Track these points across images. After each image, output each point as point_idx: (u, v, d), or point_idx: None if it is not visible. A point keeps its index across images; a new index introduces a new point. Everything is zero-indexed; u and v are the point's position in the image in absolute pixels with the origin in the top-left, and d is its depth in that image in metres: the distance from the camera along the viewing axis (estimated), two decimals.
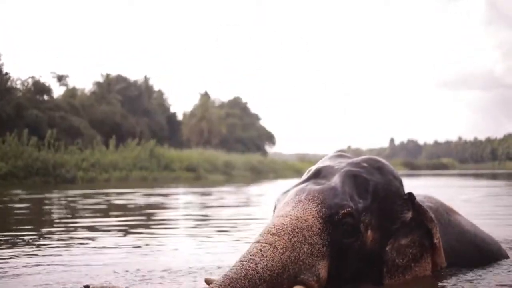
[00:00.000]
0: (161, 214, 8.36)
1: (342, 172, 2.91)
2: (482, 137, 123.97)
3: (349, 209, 2.73)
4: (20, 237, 5.24)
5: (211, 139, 51.25)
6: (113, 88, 44.34)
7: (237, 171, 36.29)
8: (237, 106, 59.58)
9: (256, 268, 2.49)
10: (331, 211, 2.71)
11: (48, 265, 3.76)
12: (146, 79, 50.01)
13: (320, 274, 2.63)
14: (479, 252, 3.44)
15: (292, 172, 40.97)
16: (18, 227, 6.32)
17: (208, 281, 2.59)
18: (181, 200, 11.78)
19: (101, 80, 44.99)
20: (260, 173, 39.19)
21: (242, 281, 2.43)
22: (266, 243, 2.59)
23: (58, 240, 5.11)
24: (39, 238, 5.21)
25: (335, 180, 2.88)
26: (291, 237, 2.62)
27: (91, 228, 6.09)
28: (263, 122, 62.40)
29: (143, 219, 7.49)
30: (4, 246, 4.66)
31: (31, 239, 5.15)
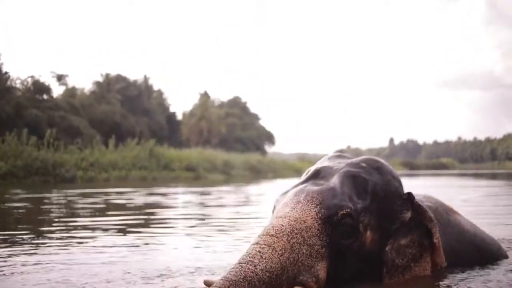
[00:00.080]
0: (161, 213, 8.35)
1: (341, 173, 2.91)
2: (481, 137, 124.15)
3: (348, 210, 2.73)
4: (19, 236, 5.24)
5: (211, 139, 51.25)
6: (113, 87, 44.34)
7: (236, 171, 36.30)
8: (236, 106, 59.59)
9: (255, 270, 2.48)
10: (330, 212, 2.71)
11: (47, 264, 3.76)
12: (146, 79, 50.03)
13: (319, 275, 2.63)
14: (478, 252, 3.44)
15: (292, 172, 40.97)
16: (17, 226, 6.32)
17: (207, 283, 2.59)
18: (181, 200, 11.77)
19: (100, 79, 45.02)
20: (259, 172, 39.19)
21: (242, 283, 2.43)
22: (265, 245, 2.58)
23: (57, 239, 5.11)
24: (38, 237, 5.20)
25: (334, 181, 2.87)
26: (290, 238, 2.62)
27: (90, 228, 6.08)
28: (262, 122, 62.53)
29: (143, 218, 7.49)
30: (3, 245, 4.65)
31: (30, 238, 5.15)
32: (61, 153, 23.57)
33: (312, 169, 3.09)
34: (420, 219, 2.96)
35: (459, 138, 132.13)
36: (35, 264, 3.76)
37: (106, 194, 13.33)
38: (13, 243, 4.77)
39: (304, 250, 2.62)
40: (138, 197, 12.04)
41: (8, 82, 32.95)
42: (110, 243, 4.81)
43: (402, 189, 3.01)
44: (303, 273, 2.59)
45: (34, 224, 6.63)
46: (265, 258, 2.53)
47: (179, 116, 53.62)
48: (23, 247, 4.57)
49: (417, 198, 3.04)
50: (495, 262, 3.48)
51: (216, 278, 2.60)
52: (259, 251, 2.55)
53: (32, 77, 34.81)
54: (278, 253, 2.56)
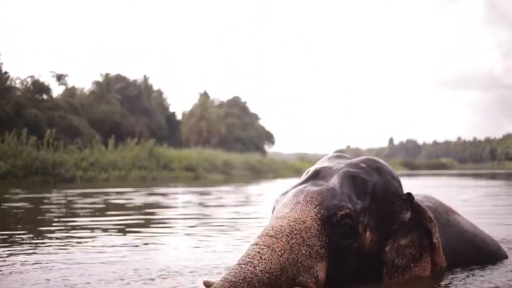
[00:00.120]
0: (160, 213, 8.35)
1: (340, 173, 2.91)
2: (481, 137, 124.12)
3: (348, 210, 2.73)
4: (19, 236, 5.24)
5: (210, 139, 51.24)
6: (113, 87, 44.33)
7: (236, 171, 36.29)
8: (236, 106, 59.58)
9: (254, 271, 2.48)
10: (330, 213, 2.71)
11: (47, 263, 3.76)
12: (146, 79, 50.02)
13: (319, 276, 2.63)
14: (478, 252, 3.44)
15: (292, 172, 40.98)
16: (17, 226, 6.32)
17: (207, 284, 2.58)
18: (180, 200, 11.77)
19: (100, 79, 45.00)
20: (259, 172, 39.19)
21: (241, 284, 2.43)
22: (264, 246, 2.58)
23: (57, 239, 5.11)
24: (38, 237, 5.20)
25: (334, 181, 2.87)
26: (289, 239, 2.62)
27: (89, 228, 6.08)
28: (262, 122, 62.50)
29: (142, 218, 7.49)
30: (2, 244, 4.65)
31: (29, 237, 5.15)
32: (60, 153, 23.56)
33: (311, 169, 3.09)
34: (420, 219, 2.96)
35: (459, 138, 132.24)
36: (34, 263, 3.76)
37: (106, 194, 13.33)
38: (13, 243, 4.77)
39: (303, 251, 2.62)
40: (138, 197, 12.04)
41: (8, 82, 32.94)
42: (109, 243, 4.80)
43: (401, 189, 3.01)
44: (302, 274, 2.59)
45: (33, 224, 6.62)
46: (264, 259, 2.53)
47: (179, 116, 53.67)
48: (22, 246, 4.56)
49: (416, 198, 3.04)
50: (495, 262, 3.49)
51: (215, 279, 2.60)
52: (259, 252, 2.55)
53: (31, 77, 34.83)
54: (278, 254, 2.56)
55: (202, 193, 14.03)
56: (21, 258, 4.00)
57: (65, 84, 40.29)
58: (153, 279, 3.23)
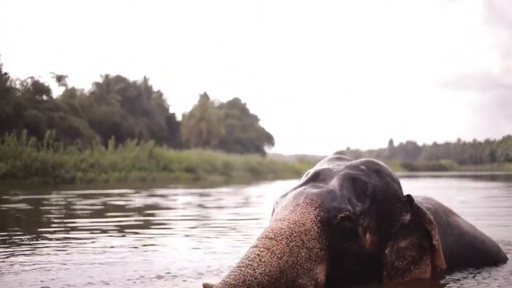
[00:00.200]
0: (160, 214, 8.35)
1: (340, 175, 2.91)
2: (481, 138, 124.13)
3: (347, 213, 2.73)
4: (18, 237, 5.23)
5: (210, 140, 51.23)
6: (112, 88, 44.33)
7: (236, 172, 36.26)
8: (236, 107, 59.58)
9: (254, 274, 2.48)
10: (329, 215, 2.71)
11: (46, 264, 3.76)
12: (145, 80, 50.03)
13: (318, 278, 2.63)
14: (478, 254, 3.44)
15: (291, 173, 40.95)
16: (16, 227, 6.31)
17: (206, 286, 2.58)
18: (180, 201, 11.76)
19: (100, 80, 45.00)
20: (259, 174, 39.16)
21: (241, 287, 2.44)
22: (264, 248, 2.58)
23: (56, 240, 5.10)
24: (37, 238, 5.19)
25: (334, 183, 2.87)
26: (289, 242, 2.61)
27: (89, 229, 6.07)
28: (262, 123, 62.43)
29: (142, 219, 7.48)
30: (1, 245, 4.65)
31: (28, 238, 5.14)
32: (60, 154, 23.54)
33: (311, 171, 3.09)
34: (420, 221, 2.95)
35: (459, 140, 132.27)
36: (33, 264, 3.76)
37: (106, 195, 13.32)
38: (12, 244, 4.76)
39: (303, 253, 2.62)
40: (138, 198, 12.03)
41: (8, 83, 32.94)
42: (109, 244, 4.80)
43: (401, 191, 3.01)
44: (302, 276, 2.59)
45: (33, 225, 6.62)
46: (264, 262, 2.53)
47: (179, 117, 53.66)
48: (21, 247, 4.56)
49: (416, 200, 3.04)
50: (495, 264, 3.49)
51: (215, 281, 2.59)
52: (258, 255, 2.55)
53: (31, 77, 34.83)
54: (277, 257, 2.56)
55: (202, 195, 14.03)
56: (20, 258, 4.00)
57: (65, 85, 40.35)
58: (152, 281, 3.23)
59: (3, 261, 3.88)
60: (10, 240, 5.02)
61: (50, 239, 5.16)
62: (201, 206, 10.09)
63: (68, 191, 14.65)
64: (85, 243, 4.92)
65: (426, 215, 2.97)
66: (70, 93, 40.15)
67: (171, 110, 52.54)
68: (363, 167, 2.98)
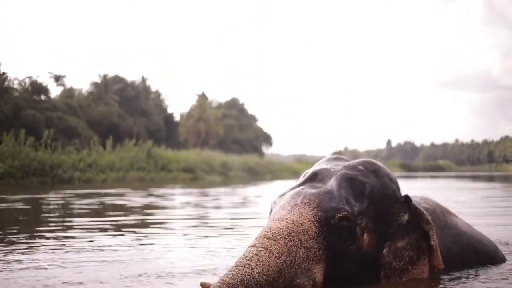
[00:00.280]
0: (158, 214, 8.34)
1: (338, 176, 2.91)
2: (479, 139, 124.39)
3: (345, 213, 2.73)
4: (15, 236, 5.23)
5: (208, 140, 51.22)
6: (111, 88, 44.28)
7: (234, 172, 36.26)
8: (234, 107, 59.59)
9: (252, 273, 2.48)
10: (327, 215, 2.71)
11: (43, 263, 3.76)
12: (144, 80, 49.96)
13: (316, 278, 2.63)
14: (476, 254, 3.44)
15: (289, 173, 40.95)
16: (14, 227, 6.31)
17: (204, 285, 2.58)
18: (178, 201, 11.76)
19: (98, 80, 44.90)
20: (257, 174, 39.16)
21: (239, 286, 2.44)
22: (262, 248, 2.58)
23: (54, 238, 5.10)
24: (34, 237, 5.19)
25: (331, 184, 2.88)
26: (287, 241, 2.62)
27: (86, 228, 6.07)
28: (260, 123, 62.46)
29: (140, 219, 7.48)
30: None
31: (26, 237, 5.14)
32: (58, 154, 23.52)
33: (309, 171, 3.09)
34: (418, 222, 2.96)
35: (457, 140, 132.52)
36: (30, 263, 3.76)
37: (104, 195, 13.32)
38: (9, 243, 4.76)
39: (301, 253, 2.62)
40: (136, 198, 12.02)
41: (6, 83, 32.87)
42: (106, 243, 4.80)
43: (399, 191, 3.02)
44: (300, 276, 2.59)
45: (30, 224, 6.61)
46: (262, 261, 2.53)
47: (177, 117, 53.59)
48: (18, 246, 4.56)
49: (414, 200, 3.04)
50: (492, 264, 3.49)
51: (213, 280, 2.59)
52: (256, 254, 2.55)
53: (29, 77, 34.75)
54: (275, 256, 2.56)
55: (200, 195, 14.03)
56: (17, 257, 4.01)
57: (63, 85, 40.26)
58: (150, 280, 3.22)
59: (0, 260, 3.88)
60: (7, 239, 5.02)
61: (48, 238, 5.16)
62: (199, 206, 10.09)
63: (66, 191, 14.64)
64: (82, 242, 4.92)
65: (424, 216, 2.97)
66: (68, 93, 40.08)
67: (169, 110, 52.50)
68: (361, 167, 2.98)
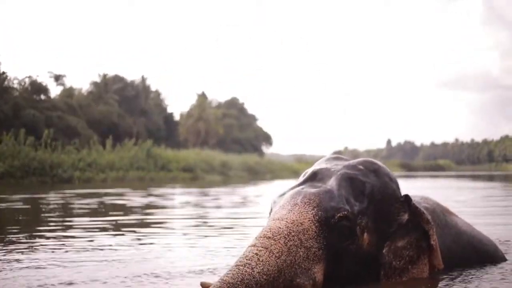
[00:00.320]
0: (157, 214, 8.34)
1: (338, 175, 2.91)
2: (479, 138, 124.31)
3: (345, 212, 2.73)
4: (15, 236, 5.23)
5: (208, 140, 51.21)
6: (110, 88, 44.27)
7: (234, 172, 36.25)
8: (234, 107, 59.58)
9: (252, 272, 2.48)
10: (327, 214, 2.71)
11: (42, 263, 3.76)
12: (143, 79, 49.95)
13: (316, 278, 2.63)
14: (476, 253, 3.45)
15: (289, 173, 40.95)
16: (14, 226, 6.30)
17: (204, 285, 2.58)
18: (178, 200, 11.76)
19: (98, 80, 44.87)
20: (257, 173, 39.15)
21: (239, 286, 2.44)
22: (262, 247, 2.58)
23: (53, 238, 5.10)
24: (34, 237, 5.19)
25: (331, 183, 2.88)
26: (287, 241, 2.62)
27: (86, 228, 6.07)
28: (260, 123, 62.45)
29: (139, 219, 7.48)
30: None
31: (25, 237, 5.14)
32: (58, 154, 23.51)
33: (309, 171, 3.09)
34: (417, 221, 2.96)
35: (457, 140, 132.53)
36: (30, 262, 3.76)
37: (103, 194, 13.32)
38: (9, 243, 4.76)
39: (301, 253, 2.62)
40: (135, 198, 12.02)
41: (6, 82, 32.85)
42: (106, 243, 4.80)
43: (399, 191, 3.02)
44: (300, 276, 2.59)
45: (30, 224, 6.61)
46: (262, 261, 2.53)
47: (177, 117, 53.56)
48: (18, 246, 4.56)
49: (414, 199, 3.04)
50: (492, 264, 3.49)
51: (213, 280, 2.59)
52: (256, 254, 2.55)
53: (29, 77, 34.73)
54: (275, 256, 2.56)
55: (199, 194, 14.03)
56: (16, 257, 4.01)
57: (63, 84, 40.23)
58: (150, 279, 3.22)
59: (0, 259, 3.88)
60: (7, 239, 5.02)
61: (48, 238, 5.16)
62: (198, 205, 10.09)
63: (65, 191, 14.64)
64: (82, 242, 4.92)
65: (424, 215, 2.97)
66: (68, 92, 40.06)
67: (169, 110, 52.50)
68: (361, 167, 2.98)
